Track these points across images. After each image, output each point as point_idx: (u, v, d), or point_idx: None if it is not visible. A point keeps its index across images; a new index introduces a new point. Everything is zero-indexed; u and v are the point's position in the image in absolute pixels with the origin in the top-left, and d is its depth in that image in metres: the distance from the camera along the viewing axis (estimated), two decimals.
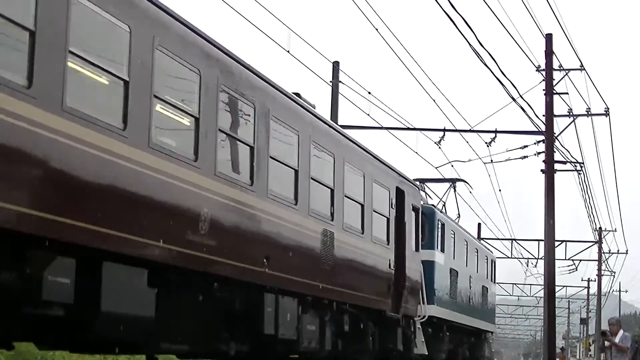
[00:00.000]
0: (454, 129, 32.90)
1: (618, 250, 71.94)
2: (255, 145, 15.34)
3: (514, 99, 29.02)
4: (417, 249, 24.55)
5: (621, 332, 25.22)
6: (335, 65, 31.57)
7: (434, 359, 29.46)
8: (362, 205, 20.29)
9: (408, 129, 32.53)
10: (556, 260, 31.93)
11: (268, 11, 22.43)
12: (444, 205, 36.85)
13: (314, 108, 18.66)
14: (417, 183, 25.26)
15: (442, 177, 37.10)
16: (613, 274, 78.63)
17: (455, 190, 38.40)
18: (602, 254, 72.20)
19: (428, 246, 28.61)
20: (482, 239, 64.43)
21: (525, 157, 33.28)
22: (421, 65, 74.61)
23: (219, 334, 15.11)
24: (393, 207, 22.43)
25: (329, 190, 18.61)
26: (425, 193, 33.87)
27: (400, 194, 23.02)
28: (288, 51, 24.97)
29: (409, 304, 23.42)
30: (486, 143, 32.85)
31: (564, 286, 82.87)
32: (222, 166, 14.30)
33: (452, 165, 37.12)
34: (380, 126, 31.81)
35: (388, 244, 22.01)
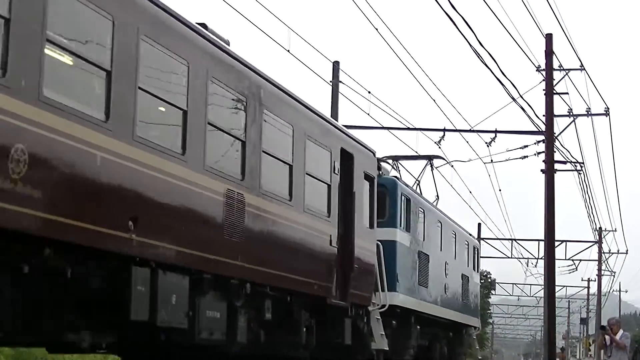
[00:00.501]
0: (454, 129, 32.35)
1: (618, 250, 70.42)
2: (113, 69, 11.08)
3: (514, 99, 28.81)
4: (371, 226, 20.00)
5: (621, 331, 24.52)
6: (335, 65, 31.13)
7: (402, 356, 24.96)
8: (290, 166, 15.83)
9: (408, 129, 32.01)
10: (556, 260, 31.56)
11: (268, 10, 21.98)
12: (418, 184, 31.18)
13: (228, 45, 14.31)
14: (373, 148, 20.51)
15: (417, 155, 32.13)
16: (613, 274, 77.22)
17: (432, 167, 32.18)
18: (602, 254, 70.53)
19: (389, 224, 23.34)
20: (482, 239, 62.88)
21: (525, 157, 32.69)
22: (421, 65, 73.47)
23: (61, 319, 10.88)
24: (337, 172, 17.84)
25: (239, 142, 14.17)
26: (398, 171, 29.26)
27: (347, 158, 18.48)
28: (288, 50, 24.60)
29: (360, 291, 19.02)
30: (486, 143, 32.18)
31: (564, 286, 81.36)
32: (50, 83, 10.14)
33: (452, 165, 36.36)
34: (380, 126, 31.36)
35: (329, 217, 17.44)
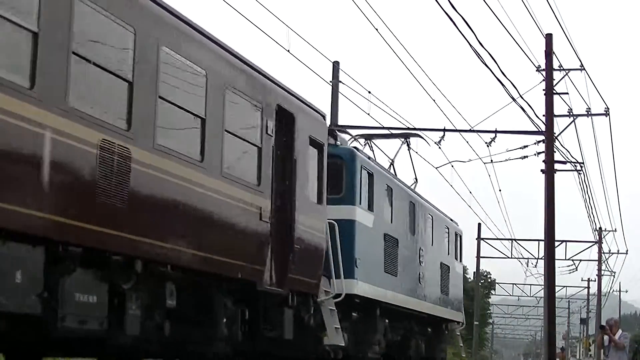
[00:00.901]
0: (454, 129, 31.66)
1: (618, 250, 69.02)
2: None
3: (514, 99, 28.47)
4: (320, 201, 16.70)
5: (620, 331, 24.37)
6: (335, 65, 30.60)
7: (365, 353, 21.32)
8: (202, 120, 12.49)
9: (408, 129, 30.58)
10: (556, 260, 31.13)
11: (268, 10, 21.44)
12: (391, 164, 27.78)
13: None
14: (322, 111, 17.25)
15: (392, 133, 29.13)
16: (613, 274, 75.87)
17: (409, 147, 28.95)
18: (602, 254, 68.72)
19: (346, 200, 19.71)
20: (483, 239, 61.06)
21: (525, 157, 31.91)
22: (421, 65, 71.92)
23: None
24: (270, 133, 14.54)
25: (124, 83, 10.86)
26: (372, 151, 26.08)
27: (286, 118, 15.20)
28: (288, 50, 24.13)
29: (303, 276, 15.77)
30: (486, 143, 31.37)
31: (564, 286, 79.32)
32: None
33: (452, 165, 35.07)
34: (380, 126, 30.31)
35: (259, 185, 14.11)
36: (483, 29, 24.68)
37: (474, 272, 67.48)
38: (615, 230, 63.55)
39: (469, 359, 60.46)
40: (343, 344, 17.67)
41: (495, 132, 30.90)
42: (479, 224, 60.18)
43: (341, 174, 19.62)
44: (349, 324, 19.65)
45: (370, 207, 20.86)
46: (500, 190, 42.60)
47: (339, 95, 30.54)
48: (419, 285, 25.40)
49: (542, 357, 42.06)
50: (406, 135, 28.89)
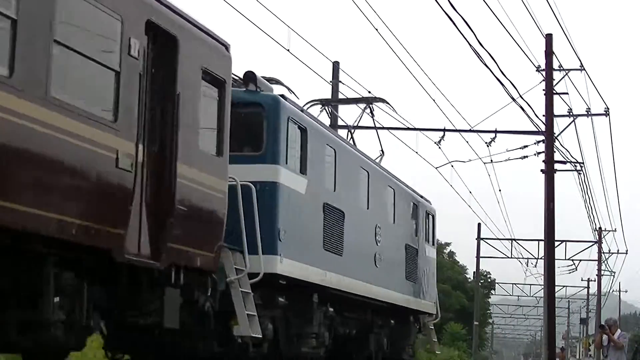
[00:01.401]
0: (454, 129, 31.72)
1: (618, 250, 68.86)
2: None
3: (514, 99, 28.50)
4: (219, 153, 13.28)
5: (619, 331, 24.48)
6: (335, 65, 30.52)
7: (298, 347, 17.54)
8: (13, 22, 9.06)
9: (408, 129, 30.98)
10: (556, 260, 31.22)
11: (268, 10, 21.28)
12: (349, 132, 24.12)
13: None
14: (225, 40, 13.69)
15: (354, 97, 26.05)
16: (613, 274, 75.97)
17: (372, 114, 25.30)
18: (602, 254, 69.46)
19: (267, 158, 15.85)
20: (483, 239, 60.83)
21: (525, 157, 31.99)
22: (421, 65, 71.53)
23: None
24: (137, 56, 11.05)
25: None
26: (330, 118, 23.45)
27: (164, 40, 11.74)
28: (288, 50, 23.73)
29: (192, 247, 12.30)
30: (486, 143, 31.52)
31: (564, 286, 78.91)
32: None
33: (452, 165, 34.80)
34: (380, 126, 29.72)
35: (115, 122, 10.56)
36: (483, 29, 24.80)
37: (474, 272, 67.28)
38: (615, 230, 63.63)
39: (468, 359, 60.51)
40: (258, 335, 14.26)
41: (495, 132, 30.93)
42: (479, 224, 59.87)
43: (261, 126, 15.87)
44: (279, 312, 16.32)
45: (302, 170, 16.89)
46: (500, 190, 42.35)
47: (339, 95, 30.26)
48: (375, 269, 21.24)
49: (542, 357, 41.07)
50: (369, 100, 25.54)
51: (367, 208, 20.79)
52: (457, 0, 20.03)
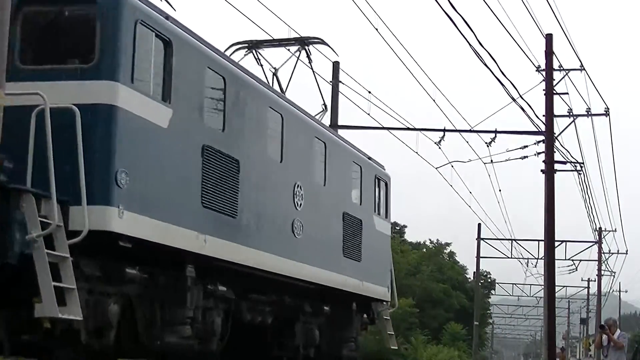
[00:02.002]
0: (454, 129, 31.64)
1: (618, 251, 69.20)
2: None
3: (514, 99, 28.40)
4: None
5: (618, 331, 24.15)
6: (335, 65, 30.44)
7: (159, 338, 13.41)
8: None
9: (408, 129, 31.08)
10: (556, 260, 30.79)
11: (268, 10, 21.24)
12: (275, 75, 20.15)
13: None
14: None
15: (286, 38, 21.58)
16: (613, 274, 76.23)
17: (309, 58, 21.07)
18: (602, 254, 69.31)
19: (101, 73, 11.79)
20: (483, 239, 60.67)
21: (525, 157, 31.92)
22: (421, 65, 71.22)
23: None
24: None
25: None
26: (260, 64, 20.02)
27: None
28: (288, 49, 22.96)
29: None
30: (486, 143, 31.39)
31: (564, 286, 78.87)
32: None
33: (452, 166, 34.74)
34: (380, 126, 30.55)
35: None
36: (483, 29, 24.58)
37: (474, 272, 67.17)
38: (615, 231, 63.90)
39: (468, 359, 60.36)
40: (75, 317, 10.77)
41: (495, 132, 30.83)
42: (479, 224, 59.70)
43: (93, 29, 11.84)
44: (133, 290, 12.72)
45: (165, 97, 12.77)
46: (500, 190, 42.62)
47: (339, 95, 30.46)
48: (294, 240, 16.77)
49: (542, 357, 39.99)
50: (303, 41, 21.18)
51: (281, 161, 16.42)
52: (457, 0, 19.97)
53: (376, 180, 22.04)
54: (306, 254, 17.26)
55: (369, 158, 21.75)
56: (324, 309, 19.66)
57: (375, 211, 21.93)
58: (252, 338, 17.39)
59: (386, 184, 22.86)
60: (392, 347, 24.37)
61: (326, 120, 24.50)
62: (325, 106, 21.98)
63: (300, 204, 17.18)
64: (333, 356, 20.56)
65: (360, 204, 20.88)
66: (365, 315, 22.61)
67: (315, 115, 20.16)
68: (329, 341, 20.34)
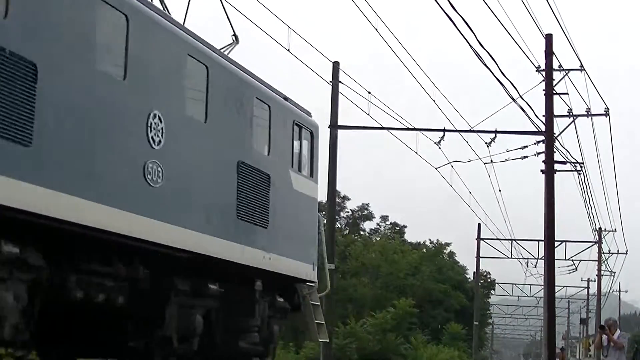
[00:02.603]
0: (454, 129, 31.71)
1: (618, 251, 69.31)
2: None
3: (514, 99, 28.48)
4: None
5: (618, 331, 23.96)
6: (335, 65, 30.54)
7: None
8: None
9: (408, 129, 31.22)
10: (556, 260, 30.88)
11: (268, 10, 21.21)
12: None
13: None
14: None
15: None
16: (613, 274, 76.14)
17: None
18: (602, 254, 69.55)
19: None
20: (483, 239, 60.74)
21: (525, 157, 31.83)
22: (421, 65, 70.89)
23: None
24: None
25: None
26: (164, 5, 15.22)
27: None
28: (288, 50, 23.67)
29: None
30: (486, 143, 31.36)
31: (564, 286, 78.91)
32: None
33: (452, 166, 34.60)
34: (380, 126, 30.58)
35: None
36: (483, 29, 24.57)
37: (474, 272, 67.22)
38: (615, 231, 64.04)
39: (468, 359, 60.36)
40: None
41: (495, 132, 30.77)
42: (479, 224, 59.72)
43: None
44: None
45: None
46: (500, 190, 42.83)
47: (339, 95, 30.38)
48: (147, 190, 12.42)
49: (542, 357, 40.74)
50: None
51: (124, 78, 12.07)
52: (457, 0, 20.02)
53: (295, 128, 17.42)
54: (169, 211, 12.92)
55: (286, 99, 17.28)
56: (211, 288, 14.80)
57: (293, 166, 17.30)
58: (95, 323, 13.33)
59: (312, 135, 18.20)
60: (320, 341, 19.66)
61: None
62: (236, 38, 17.33)
63: (160, 142, 12.70)
64: (226, 350, 15.73)
65: (268, 154, 16.21)
66: (282, 299, 17.67)
67: (222, 49, 16.17)
68: (222, 331, 15.67)
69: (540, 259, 54.52)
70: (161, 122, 12.79)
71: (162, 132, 12.81)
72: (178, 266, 13.67)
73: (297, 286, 18.03)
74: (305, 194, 17.86)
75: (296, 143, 17.51)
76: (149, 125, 12.55)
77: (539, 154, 30.62)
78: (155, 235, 12.57)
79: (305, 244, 17.85)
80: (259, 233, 15.65)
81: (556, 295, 31.79)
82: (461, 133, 31.72)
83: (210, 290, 14.77)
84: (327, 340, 21.34)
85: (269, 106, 16.32)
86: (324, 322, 18.94)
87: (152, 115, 12.58)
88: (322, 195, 29.13)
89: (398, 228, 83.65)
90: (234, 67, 15.36)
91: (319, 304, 18.93)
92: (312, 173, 18.33)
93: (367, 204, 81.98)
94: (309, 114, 18.34)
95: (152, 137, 12.59)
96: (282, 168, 16.77)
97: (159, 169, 12.67)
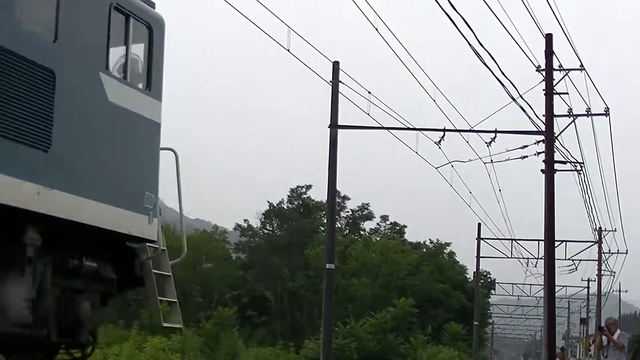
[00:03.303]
0: (454, 129, 31.52)
1: (618, 250, 68.63)
2: None
3: (514, 99, 28.44)
4: None
5: (618, 331, 23.82)
6: (335, 65, 30.43)
7: None
8: None
9: (408, 129, 31.04)
10: (556, 260, 30.51)
11: (268, 10, 21.12)
12: None
13: None
14: None
15: None
16: (613, 274, 75.46)
17: None
18: (602, 254, 68.71)
19: None
20: (483, 239, 60.70)
21: (525, 157, 31.70)
22: (421, 65, 70.74)
23: None
24: None
25: None
26: None
27: None
28: (288, 50, 23.70)
29: None
30: (486, 143, 31.14)
31: (564, 286, 78.19)
32: None
33: (452, 165, 34.38)
34: (380, 126, 30.51)
35: None
36: (483, 29, 24.36)
37: (474, 272, 67.12)
38: (615, 230, 63.50)
39: (468, 359, 60.31)
40: None
41: (495, 132, 30.64)
42: (479, 224, 59.37)
43: None
44: None
45: None
46: (500, 190, 42.18)
47: (339, 95, 30.28)
48: None
49: (542, 357, 40.74)
50: None
51: None
52: (457, 0, 19.94)
53: (116, 16, 12.42)
54: None
55: None
56: None
57: (111, 69, 12.33)
58: None
59: (150, 32, 13.17)
60: (166, 325, 14.57)
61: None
62: None
63: None
64: None
65: (55, 41, 11.25)
66: (114, 267, 12.87)
67: None
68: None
69: (540, 258, 54.17)
70: None
71: None
72: None
73: (138, 250, 13.16)
74: (132, 110, 12.65)
75: (117, 38, 12.45)
76: None
77: (539, 153, 30.54)
78: None
79: (130, 184, 12.63)
80: (25, 155, 10.58)
81: (556, 295, 31.57)
82: (461, 133, 31.59)
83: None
84: (179, 326, 15.00)
85: None
86: (176, 300, 14.42)
87: None
88: (322, 195, 29.03)
89: (398, 228, 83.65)
90: None
91: (170, 274, 14.35)
92: (150, 85, 13.14)
93: (367, 204, 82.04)
94: (152, 4, 13.33)
95: None
96: (82, 66, 11.74)
97: None
